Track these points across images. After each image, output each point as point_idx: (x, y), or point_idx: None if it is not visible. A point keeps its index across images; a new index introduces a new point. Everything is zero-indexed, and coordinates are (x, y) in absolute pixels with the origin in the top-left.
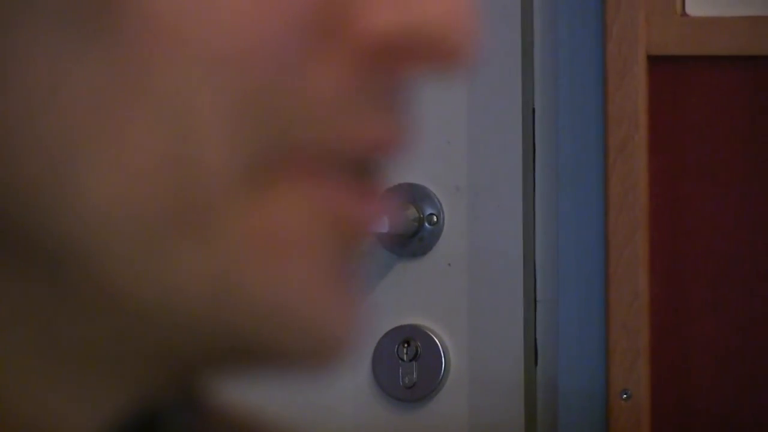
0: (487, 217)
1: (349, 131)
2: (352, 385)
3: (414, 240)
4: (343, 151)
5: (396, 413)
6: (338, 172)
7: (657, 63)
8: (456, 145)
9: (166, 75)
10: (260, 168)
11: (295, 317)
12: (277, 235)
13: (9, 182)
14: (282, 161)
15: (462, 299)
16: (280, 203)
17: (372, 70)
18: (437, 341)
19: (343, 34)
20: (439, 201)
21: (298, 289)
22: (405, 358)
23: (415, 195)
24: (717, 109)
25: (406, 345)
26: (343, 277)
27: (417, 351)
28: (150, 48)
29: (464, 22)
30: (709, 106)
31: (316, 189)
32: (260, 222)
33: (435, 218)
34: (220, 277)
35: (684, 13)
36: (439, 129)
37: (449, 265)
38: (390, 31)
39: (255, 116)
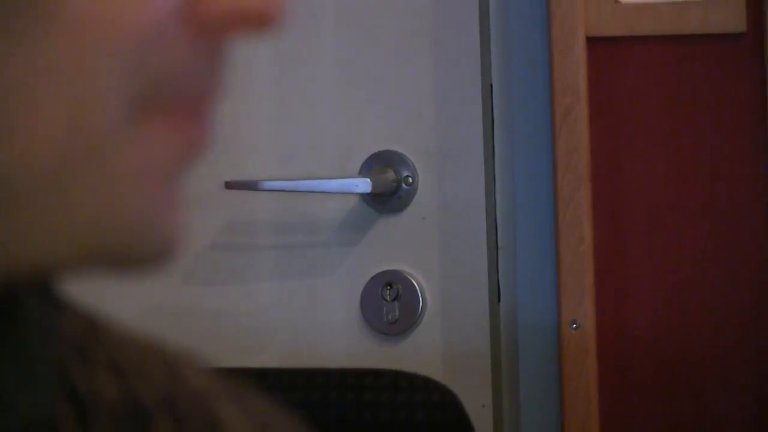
0: (454, 177)
1: (193, 83)
2: (343, 322)
3: (393, 198)
4: (190, 97)
5: (381, 345)
6: (188, 110)
7: (594, 43)
8: (426, 116)
9: (77, 60)
10: (136, 112)
11: (159, 230)
12: (149, 163)
13: None
14: (151, 106)
15: (435, 247)
16: (150, 137)
17: (209, 39)
18: (415, 283)
19: (191, 16)
20: (413, 164)
21: (163, 207)
22: (388, 299)
23: (394, 160)
24: (646, 80)
25: (388, 287)
26: (180, 197)
27: (398, 292)
28: (69, 44)
29: None
30: (639, 78)
31: (173, 124)
32: (136, 152)
33: (410, 179)
34: (105, 201)
35: (617, 0)
36: (411, 103)
37: (424, 218)
38: (222, 12)
39: (134, 77)
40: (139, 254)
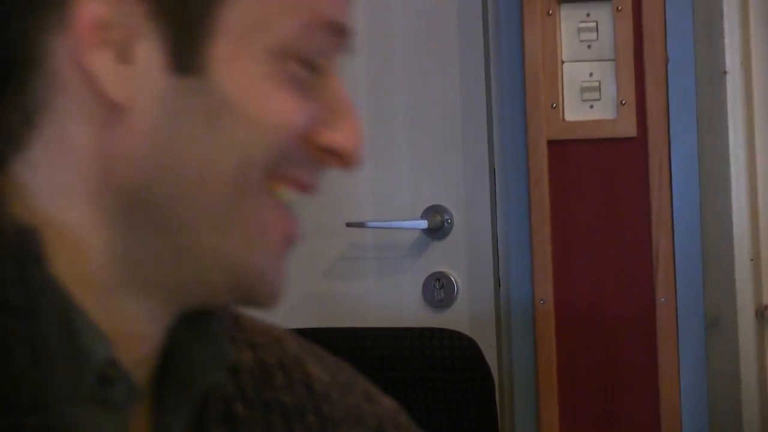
0: (474, 217)
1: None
2: (412, 301)
3: (440, 231)
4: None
5: (433, 314)
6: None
7: (551, 143)
8: (457, 185)
9: (240, 140)
10: (253, 177)
11: (272, 279)
12: (269, 225)
13: None
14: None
15: (463, 258)
16: (265, 204)
17: (316, 156)
18: (453, 279)
19: (309, 142)
20: (451, 212)
21: (276, 261)
22: (437, 287)
23: (440, 209)
24: (581, 164)
25: (437, 281)
26: (285, 256)
27: (443, 283)
28: (239, 129)
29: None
30: (577, 163)
31: (281, 207)
32: (253, 218)
33: (449, 220)
34: (241, 245)
35: (563, 119)
36: (450, 178)
37: (457, 242)
38: (326, 145)
39: (270, 159)
40: (260, 294)
